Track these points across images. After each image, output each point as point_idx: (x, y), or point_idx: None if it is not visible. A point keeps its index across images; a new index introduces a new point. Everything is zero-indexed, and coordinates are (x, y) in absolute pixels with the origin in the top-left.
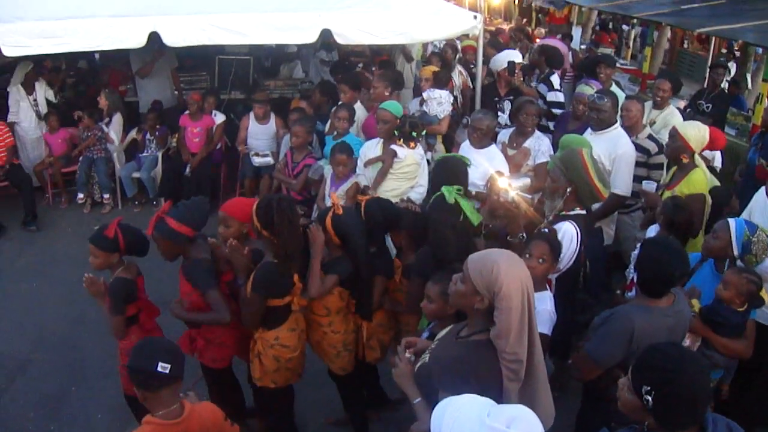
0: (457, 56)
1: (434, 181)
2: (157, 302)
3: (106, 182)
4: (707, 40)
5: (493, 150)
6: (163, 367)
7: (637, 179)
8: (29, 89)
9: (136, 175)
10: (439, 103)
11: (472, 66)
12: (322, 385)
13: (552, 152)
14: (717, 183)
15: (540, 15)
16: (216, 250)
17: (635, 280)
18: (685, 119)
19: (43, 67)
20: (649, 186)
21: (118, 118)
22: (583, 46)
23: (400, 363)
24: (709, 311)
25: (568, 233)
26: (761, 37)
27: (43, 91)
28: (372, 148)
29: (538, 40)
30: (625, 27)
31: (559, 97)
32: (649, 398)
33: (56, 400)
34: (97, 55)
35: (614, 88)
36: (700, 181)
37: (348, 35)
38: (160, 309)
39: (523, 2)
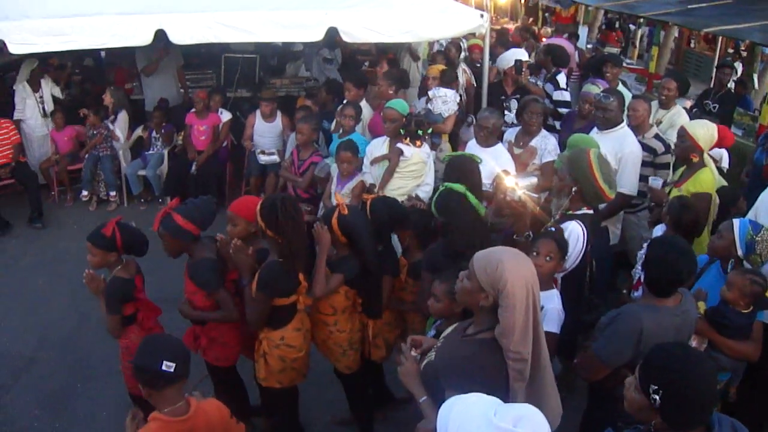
0: (462, 55)
1: (447, 180)
2: (161, 301)
3: (112, 180)
4: (714, 39)
5: (500, 149)
6: (167, 366)
7: (644, 179)
8: (35, 86)
9: (141, 172)
10: (444, 101)
11: (477, 64)
12: (327, 385)
13: (558, 151)
14: (725, 183)
15: (546, 14)
16: (222, 249)
17: (642, 279)
18: (691, 119)
19: (48, 64)
20: (655, 182)
21: (123, 116)
22: (589, 46)
23: (406, 361)
24: (713, 313)
25: (575, 233)
26: None
27: (49, 89)
28: (378, 147)
29: (544, 40)
30: (631, 26)
31: (566, 96)
32: (657, 397)
33: (61, 397)
34: (103, 53)
35: (621, 87)
36: (707, 180)
37: (354, 33)
38: (164, 308)
39: (529, 1)
